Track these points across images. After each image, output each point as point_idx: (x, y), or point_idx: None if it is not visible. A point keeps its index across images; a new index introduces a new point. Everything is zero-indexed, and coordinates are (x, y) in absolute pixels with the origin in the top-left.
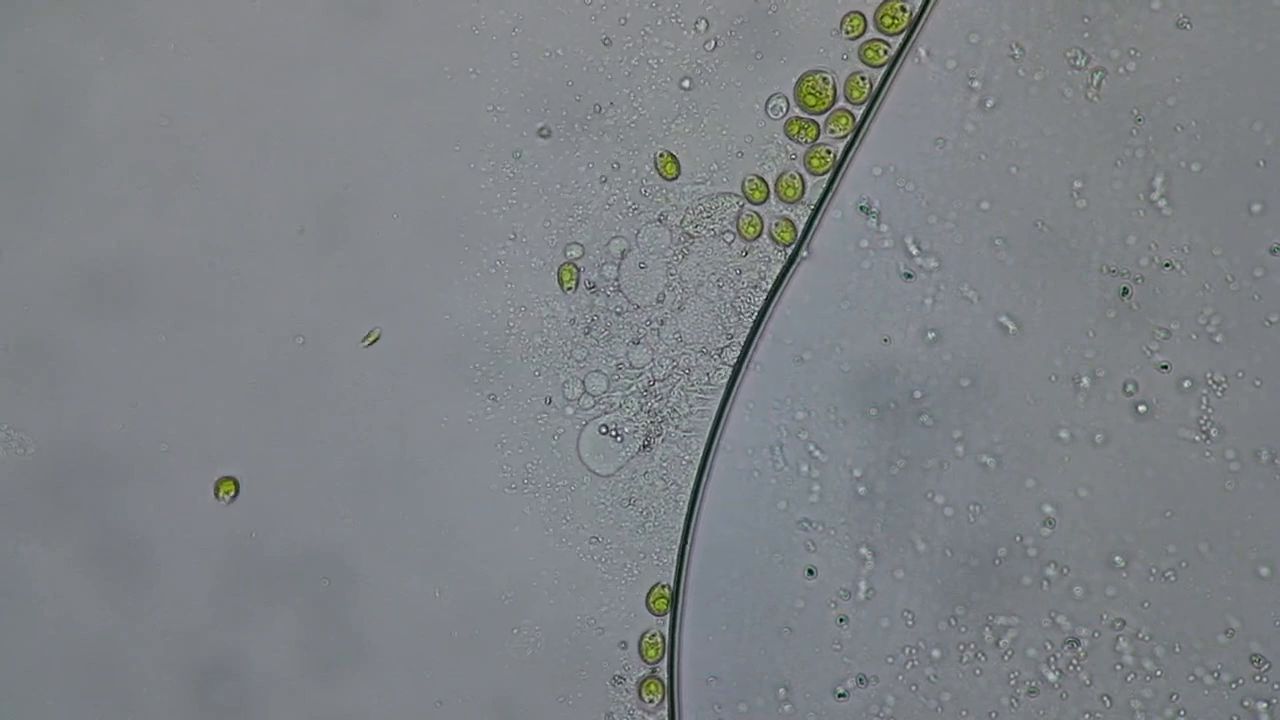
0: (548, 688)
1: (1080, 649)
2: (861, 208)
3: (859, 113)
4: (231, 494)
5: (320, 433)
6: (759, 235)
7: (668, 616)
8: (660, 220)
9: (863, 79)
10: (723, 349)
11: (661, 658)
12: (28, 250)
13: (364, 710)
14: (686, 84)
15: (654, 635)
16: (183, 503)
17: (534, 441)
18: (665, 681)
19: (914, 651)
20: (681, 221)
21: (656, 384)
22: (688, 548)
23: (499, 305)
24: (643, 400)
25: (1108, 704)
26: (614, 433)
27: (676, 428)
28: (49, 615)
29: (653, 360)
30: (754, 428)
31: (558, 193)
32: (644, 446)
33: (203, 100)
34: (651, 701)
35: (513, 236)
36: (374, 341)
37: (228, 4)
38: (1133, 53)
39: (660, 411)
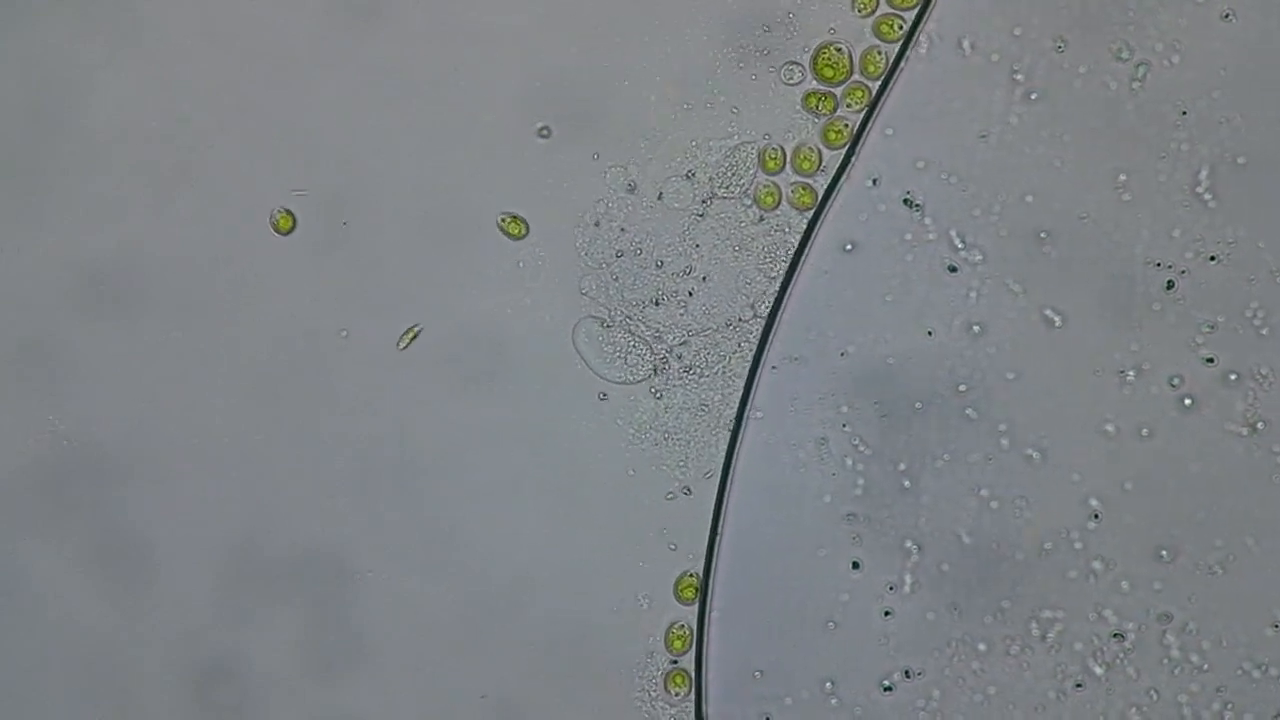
0: (549, 687)
1: (1126, 643)
2: (905, 201)
3: (874, 86)
4: (290, 227)
5: (320, 433)
6: (777, 205)
7: (695, 606)
8: (688, 177)
9: (879, 53)
10: (747, 320)
11: (688, 649)
12: (28, 250)
13: (364, 710)
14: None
15: (681, 626)
16: (183, 503)
17: (536, 441)
18: (690, 674)
19: (960, 645)
20: (710, 180)
21: (673, 350)
22: (717, 537)
23: (500, 305)
24: (650, 346)
25: (1154, 698)
26: (606, 322)
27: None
28: (49, 615)
29: (667, 326)
30: (799, 421)
31: (561, 191)
32: (655, 371)
33: (203, 100)
34: (677, 694)
35: (515, 236)
36: (413, 339)
37: (228, 4)
38: (1177, 45)
39: (667, 359)
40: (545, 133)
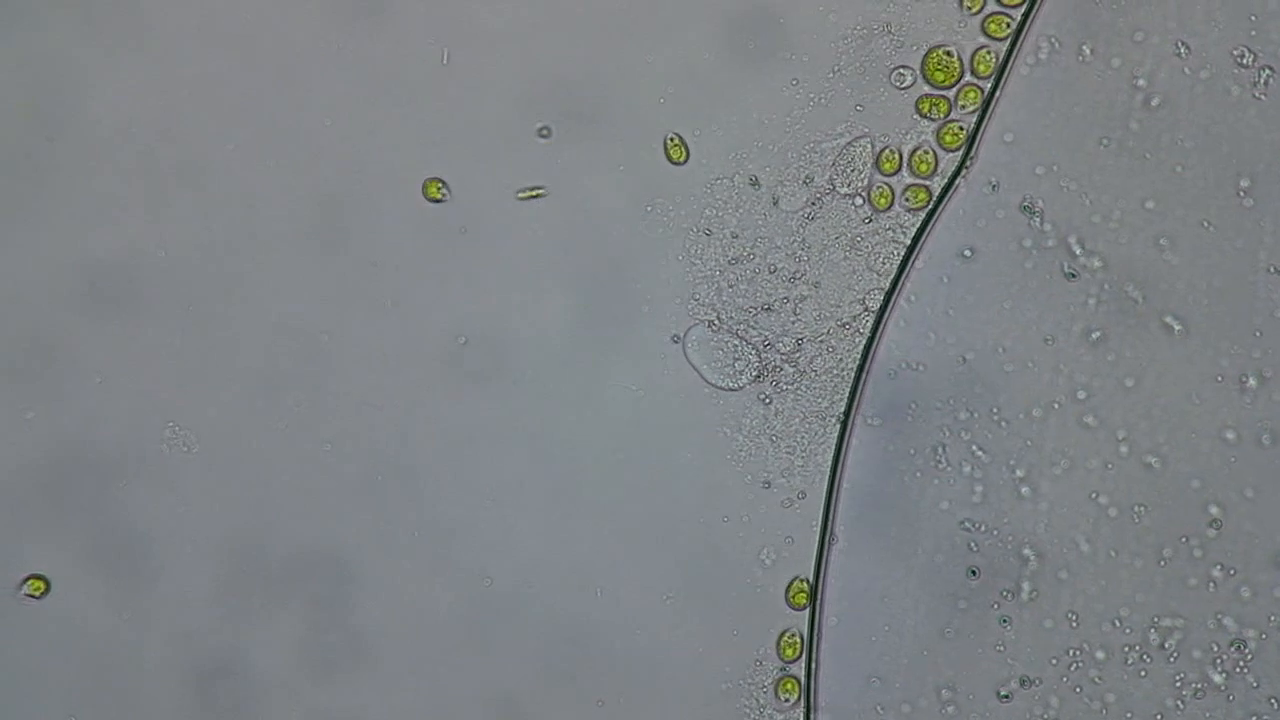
0: (550, 688)
1: (1247, 650)
2: (1024, 207)
3: (986, 86)
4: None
5: (320, 433)
6: (890, 206)
7: (806, 612)
8: (806, 182)
9: (989, 53)
10: (857, 316)
11: (799, 657)
12: (28, 250)
13: (364, 710)
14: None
15: (792, 634)
16: (183, 503)
17: (536, 440)
18: (801, 681)
19: (1078, 653)
20: (830, 178)
21: (785, 358)
22: (828, 541)
23: (500, 305)
24: (759, 352)
25: (1275, 706)
26: (715, 323)
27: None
28: (49, 615)
29: (780, 331)
30: (916, 427)
31: (562, 190)
32: (758, 377)
33: (203, 100)
34: (787, 701)
35: (515, 237)
36: (533, 197)
37: (228, 4)
38: None
39: (774, 362)
40: (545, 133)
